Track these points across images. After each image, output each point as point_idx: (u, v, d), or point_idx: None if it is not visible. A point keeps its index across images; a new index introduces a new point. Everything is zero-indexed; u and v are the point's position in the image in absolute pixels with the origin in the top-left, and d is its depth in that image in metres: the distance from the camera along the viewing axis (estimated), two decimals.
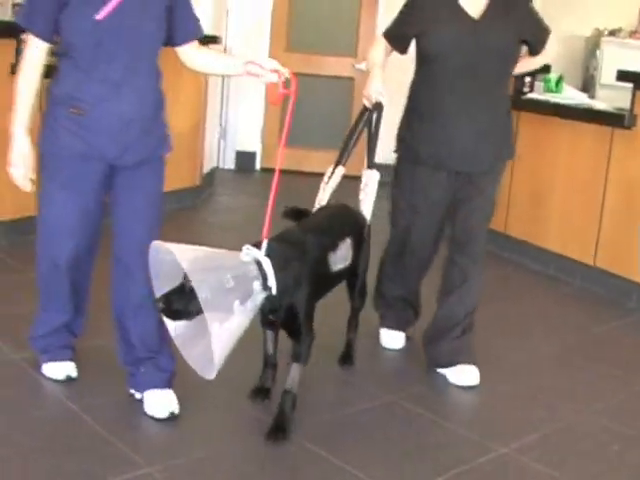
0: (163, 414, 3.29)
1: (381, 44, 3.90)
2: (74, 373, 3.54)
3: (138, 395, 3.37)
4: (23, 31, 3.22)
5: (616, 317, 5.03)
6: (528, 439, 3.40)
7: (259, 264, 3.04)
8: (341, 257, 3.50)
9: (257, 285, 3.01)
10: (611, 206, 5.37)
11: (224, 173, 8.57)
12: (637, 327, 4.90)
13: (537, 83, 6.16)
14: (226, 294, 2.87)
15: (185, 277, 2.89)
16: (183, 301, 2.89)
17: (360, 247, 3.70)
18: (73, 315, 3.55)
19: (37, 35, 3.11)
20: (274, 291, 3.05)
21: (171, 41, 3.27)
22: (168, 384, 3.35)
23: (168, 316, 2.97)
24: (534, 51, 3.90)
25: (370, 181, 3.80)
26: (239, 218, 6.69)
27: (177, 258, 2.81)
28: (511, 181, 6.01)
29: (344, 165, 3.78)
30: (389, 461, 3.19)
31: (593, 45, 8.61)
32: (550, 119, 5.77)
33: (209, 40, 6.71)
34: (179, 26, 3.25)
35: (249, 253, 3.06)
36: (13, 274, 4.83)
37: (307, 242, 3.32)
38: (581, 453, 3.37)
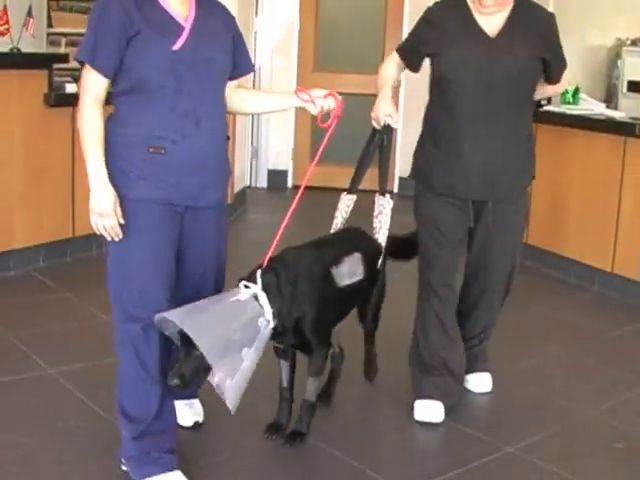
0: (188, 423, 3.49)
1: (394, 60, 3.76)
2: None
3: None
4: (82, 66, 2.96)
5: (633, 321, 5.15)
6: (534, 439, 3.57)
7: (257, 298, 3.04)
8: (348, 271, 3.45)
9: (262, 321, 3.01)
10: (627, 213, 5.50)
11: (257, 191, 8.82)
12: None
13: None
14: (235, 347, 2.88)
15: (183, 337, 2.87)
16: (195, 369, 2.86)
17: (373, 269, 3.64)
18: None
19: (102, 72, 2.90)
20: (272, 323, 3.06)
21: (231, 75, 3.17)
22: (194, 394, 3.53)
23: (185, 389, 2.98)
24: (551, 78, 3.68)
25: (384, 209, 3.68)
26: (270, 235, 6.83)
27: (180, 326, 2.81)
28: (531, 192, 6.13)
29: (356, 192, 3.69)
30: (399, 459, 3.39)
31: (615, 55, 8.71)
32: (566, 130, 5.92)
33: None
34: (239, 59, 3.18)
35: (247, 290, 3.04)
36: (50, 294, 5.10)
37: (302, 258, 3.30)
38: (586, 451, 3.52)
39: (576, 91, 6.19)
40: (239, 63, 3.18)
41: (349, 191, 3.72)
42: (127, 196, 2.93)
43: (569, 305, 5.47)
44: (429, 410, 3.68)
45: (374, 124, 3.64)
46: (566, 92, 6.17)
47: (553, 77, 3.70)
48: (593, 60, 8.73)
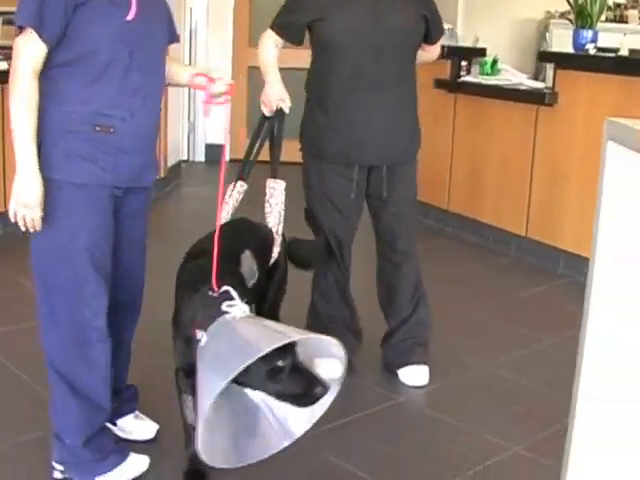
0: (151, 434, 3.30)
1: (270, 39, 3.62)
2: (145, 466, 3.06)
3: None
4: (20, 31, 2.61)
5: (544, 282, 5.38)
6: (426, 389, 3.78)
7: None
8: (249, 272, 3.00)
9: None
10: (539, 180, 5.70)
11: (194, 165, 8.94)
12: (561, 290, 5.24)
13: (474, 66, 6.50)
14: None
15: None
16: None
17: (266, 265, 3.26)
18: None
19: (47, 39, 2.58)
20: None
21: None
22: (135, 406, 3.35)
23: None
24: (431, 38, 3.71)
25: (276, 192, 3.41)
26: (203, 206, 6.99)
27: (291, 339, 2.49)
28: (451, 160, 6.36)
29: (246, 180, 3.41)
30: None
31: (544, 28, 8.89)
32: (483, 100, 6.10)
33: None
34: (169, 29, 2.99)
35: (238, 309, 2.63)
36: None
37: (230, 267, 2.88)
38: (475, 399, 3.73)
39: (494, 62, 6.36)
40: (169, 32, 2.99)
41: (240, 178, 3.42)
42: (66, 181, 2.69)
43: (485, 269, 5.67)
44: (329, 367, 3.81)
45: (264, 110, 3.46)
46: (485, 63, 6.35)
47: (433, 37, 3.73)
48: (523, 33, 8.91)
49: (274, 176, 3.45)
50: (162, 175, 7.31)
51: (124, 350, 3.17)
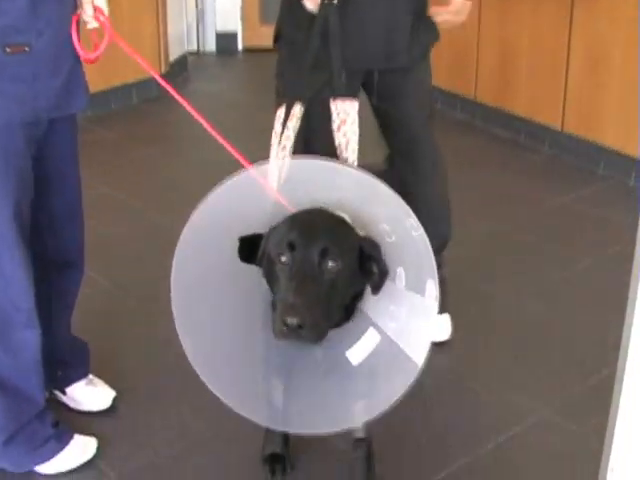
0: (107, 403, 2.86)
1: None
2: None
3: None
4: None
5: (582, 186, 4.70)
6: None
7: None
8: None
9: None
10: (576, 65, 5.01)
11: (205, 57, 8.23)
12: (603, 196, 4.55)
13: None
14: None
15: None
16: None
17: None
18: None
19: None
20: None
21: None
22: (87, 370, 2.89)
23: None
24: None
25: (349, 117, 2.51)
26: (213, 104, 6.41)
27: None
28: (478, 42, 5.67)
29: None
30: None
31: None
32: None
33: None
34: None
35: None
36: None
37: None
38: (497, 348, 3.17)
39: None
40: None
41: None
42: None
43: (514, 170, 5.01)
44: None
45: (307, 4, 2.65)
46: None
47: None
48: None
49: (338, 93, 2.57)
50: (163, 71, 6.68)
51: (64, 317, 2.71)
